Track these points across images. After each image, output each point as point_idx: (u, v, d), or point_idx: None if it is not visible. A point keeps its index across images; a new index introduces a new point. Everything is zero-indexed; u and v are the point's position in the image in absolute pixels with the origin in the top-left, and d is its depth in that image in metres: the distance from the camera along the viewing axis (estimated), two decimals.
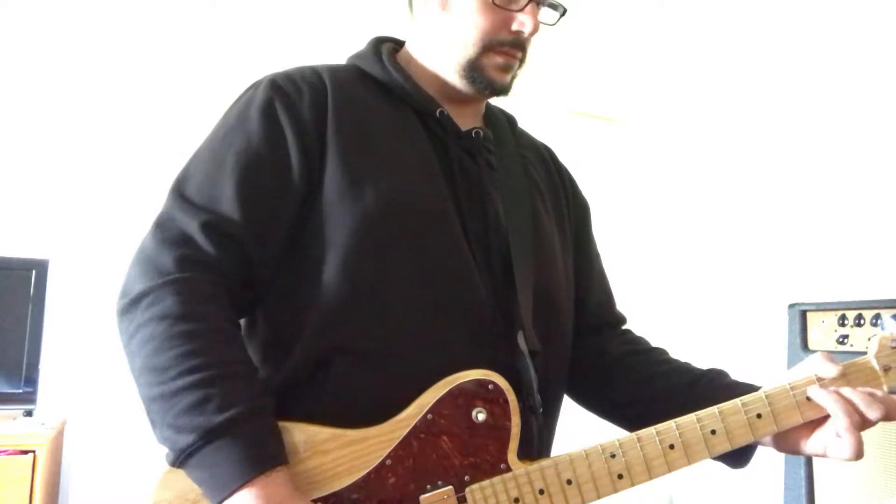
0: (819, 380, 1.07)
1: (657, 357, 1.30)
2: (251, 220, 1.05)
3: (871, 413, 1.04)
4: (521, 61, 1.21)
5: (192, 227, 1.03)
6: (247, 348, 1.09)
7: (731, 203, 3.10)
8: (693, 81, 3.32)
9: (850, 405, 1.04)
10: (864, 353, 1.11)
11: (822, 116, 2.75)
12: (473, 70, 1.18)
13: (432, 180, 1.13)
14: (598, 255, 1.40)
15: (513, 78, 1.22)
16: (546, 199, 1.29)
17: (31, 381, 2.39)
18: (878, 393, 1.06)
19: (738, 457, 1.15)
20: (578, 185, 1.41)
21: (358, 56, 1.26)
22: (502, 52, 1.17)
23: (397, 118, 1.17)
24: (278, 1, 2.99)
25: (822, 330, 2.07)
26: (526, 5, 1.16)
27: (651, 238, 3.37)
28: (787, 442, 1.10)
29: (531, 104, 3.18)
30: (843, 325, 2.02)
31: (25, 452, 2.12)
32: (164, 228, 1.04)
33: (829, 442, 1.06)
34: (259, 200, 1.06)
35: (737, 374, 1.21)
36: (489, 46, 1.17)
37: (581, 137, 3.40)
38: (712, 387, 1.17)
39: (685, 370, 1.25)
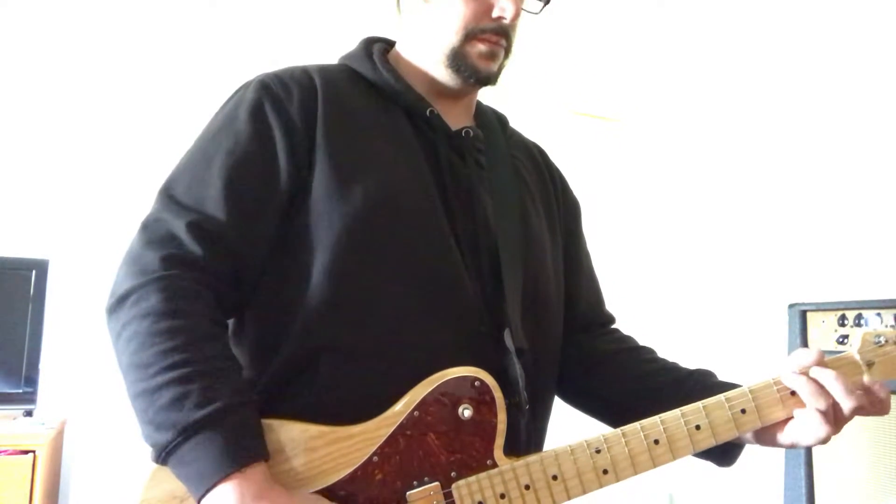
0: (800, 369, 1.07)
1: (644, 356, 1.30)
2: (238, 221, 1.05)
3: (847, 402, 1.04)
4: (507, 50, 1.21)
5: (178, 227, 1.03)
6: (235, 348, 1.10)
7: (732, 203, 3.10)
8: (695, 81, 3.31)
9: (818, 387, 1.05)
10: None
11: (823, 116, 2.75)
12: (457, 59, 1.18)
13: (421, 180, 1.13)
14: (587, 255, 1.40)
15: (500, 68, 1.21)
16: (536, 198, 1.30)
17: (31, 381, 2.40)
18: (864, 383, 1.07)
19: (724, 455, 1.15)
20: (570, 184, 1.42)
21: (349, 56, 1.26)
22: (484, 39, 1.17)
23: (387, 118, 1.18)
24: (278, 1, 3.00)
25: (822, 330, 2.07)
26: None
27: (652, 237, 3.37)
28: (765, 436, 1.10)
29: (533, 104, 3.19)
30: (843, 325, 2.02)
31: (25, 452, 2.13)
32: (150, 229, 1.05)
33: (798, 428, 1.07)
34: (246, 201, 1.07)
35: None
36: (471, 34, 1.17)
37: (583, 137, 3.41)
38: (698, 386, 1.17)
39: (672, 369, 1.25)
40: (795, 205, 2.82)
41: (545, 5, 1.24)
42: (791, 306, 2.15)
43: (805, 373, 1.07)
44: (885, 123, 2.53)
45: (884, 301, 1.96)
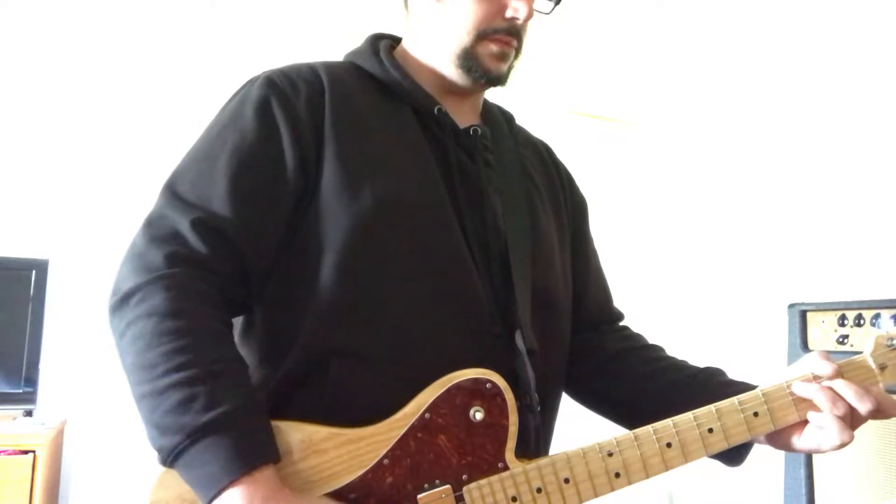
0: (815, 378, 1.07)
1: (653, 354, 1.30)
2: (244, 219, 1.04)
3: (862, 405, 1.04)
4: (518, 50, 1.20)
5: (182, 224, 1.02)
6: (243, 348, 1.09)
7: (732, 203, 3.10)
8: (694, 81, 3.32)
9: (833, 394, 1.05)
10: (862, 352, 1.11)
11: (822, 117, 2.75)
12: (468, 59, 1.17)
13: (430, 180, 1.13)
14: (595, 253, 1.40)
15: (510, 68, 1.21)
16: (544, 197, 1.29)
17: (31, 381, 2.39)
18: (873, 388, 1.06)
19: (733, 455, 1.15)
20: (576, 181, 1.41)
21: (355, 53, 1.25)
22: (497, 39, 1.16)
23: (395, 116, 1.17)
24: (278, 1, 2.99)
25: (822, 330, 2.06)
26: None
27: (652, 238, 3.37)
28: (780, 439, 1.10)
29: (534, 104, 3.18)
30: (843, 325, 2.01)
31: (25, 452, 2.12)
32: (154, 226, 1.03)
33: (818, 434, 1.06)
34: (252, 198, 1.05)
35: (737, 375, 1.20)
36: (483, 34, 1.16)
37: (583, 137, 3.40)
38: (708, 385, 1.17)
39: (681, 368, 1.25)
40: (795, 205, 2.83)
41: (556, 5, 1.23)
42: (791, 306, 2.15)
43: (817, 380, 1.06)
44: (885, 124, 2.54)
45: (884, 301, 1.96)
